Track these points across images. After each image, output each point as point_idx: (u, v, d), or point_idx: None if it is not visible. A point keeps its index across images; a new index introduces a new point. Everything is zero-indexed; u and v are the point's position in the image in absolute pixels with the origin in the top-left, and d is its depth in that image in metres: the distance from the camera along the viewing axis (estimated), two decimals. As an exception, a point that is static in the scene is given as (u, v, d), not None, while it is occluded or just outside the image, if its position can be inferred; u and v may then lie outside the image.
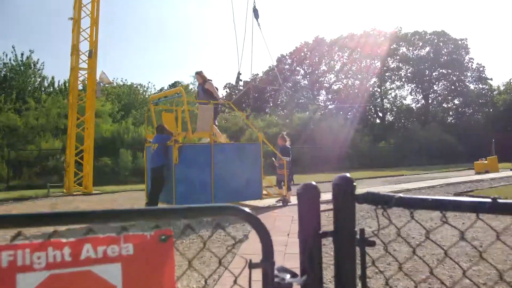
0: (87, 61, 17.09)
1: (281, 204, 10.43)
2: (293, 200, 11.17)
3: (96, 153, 18.95)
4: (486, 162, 22.46)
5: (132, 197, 14.43)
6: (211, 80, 10.33)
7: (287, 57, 56.21)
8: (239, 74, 11.68)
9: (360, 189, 1.12)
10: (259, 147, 10.28)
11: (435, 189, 13.88)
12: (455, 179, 18.01)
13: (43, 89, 32.20)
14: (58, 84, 32.67)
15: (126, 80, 42.13)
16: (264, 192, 10.36)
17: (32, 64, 31.54)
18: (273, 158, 11.23)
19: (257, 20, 11.13)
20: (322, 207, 1.29)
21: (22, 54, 30.92)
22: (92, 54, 16.94)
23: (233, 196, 9.75)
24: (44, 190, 16.06)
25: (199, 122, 9.39)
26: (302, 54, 55.37)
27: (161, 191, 9.11)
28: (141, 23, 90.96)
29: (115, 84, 36.95)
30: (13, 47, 31.77)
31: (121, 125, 24.80)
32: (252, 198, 10.25)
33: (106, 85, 22.31)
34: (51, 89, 32.33)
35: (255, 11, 10.95)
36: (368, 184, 17.55)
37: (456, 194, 11.94)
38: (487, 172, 21.52)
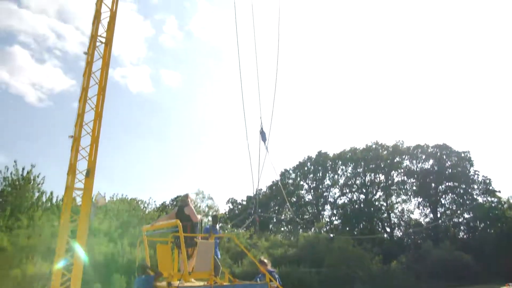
0: (83, 181, 16.26)
1: None
2: None
3: (86, 278, 17.23)
4: (514, 289, 20.41)
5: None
6: (189, 204, 9.41)
7: (290, 171, 56.18)
8: (255, 212, 10.85)
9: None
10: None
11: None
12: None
13: (40, 203, 31.17)
14: (57, 199, 31.71)
15: (126, 195, 41.28)
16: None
17: (31, 179, 30.94)
18: (258, 279, 9.73)
19: (264, 142, 10.53)
20: None
21: (23, 169, 30.46)
22: (90, 174, 16.18)
23: None
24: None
25: (197, 260, 8.16)
26: (306, 168, 55.39)
27: None
28: (143, 137, 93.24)
29: (114, 199, 35.98)
30: (15, 162, 31.51)
31: (116, 246, 23.23)
32: None
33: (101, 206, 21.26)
34: (49, 204, 31.30)
35: (263, 134, 10.42)
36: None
37: None
38: (517, 301, 19.40)
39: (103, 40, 16.04)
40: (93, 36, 16.00)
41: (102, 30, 16.10)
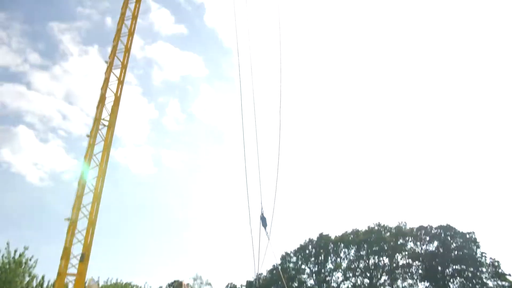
0: (77, 265, 15.64)
1: None
2: None
3: None
4: None
5: None
6: None
7: (291, 254, 54.75)
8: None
9: None
10: None
11: None
12: None
13: (30, 289, 29.76)
14: (48, 284, 30.38)
15: (121, 280, 39.60)
16: None
17: (23, 262, 29.85)
18: None
19: (265, 228, 10.28)
20: None
21: (15, 251, 29.47)
22: (84, 258, 15.62)
23: None
24: None
25: None
26: (307, 251, 54.07)
27: None
28: (141, 218, 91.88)
29: (108, 283, 34.45)
30: (7, 244, 30.59)
31: (107, 337, 21.78)
32: None
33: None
34: (39, 290, 29.89)
35: (263, 220, 10.19)
36: None
37: None
38: None
39: (106, 123, 16.34)
40: (97, 119, 16.31)
41: (106, 114, 16.46)
